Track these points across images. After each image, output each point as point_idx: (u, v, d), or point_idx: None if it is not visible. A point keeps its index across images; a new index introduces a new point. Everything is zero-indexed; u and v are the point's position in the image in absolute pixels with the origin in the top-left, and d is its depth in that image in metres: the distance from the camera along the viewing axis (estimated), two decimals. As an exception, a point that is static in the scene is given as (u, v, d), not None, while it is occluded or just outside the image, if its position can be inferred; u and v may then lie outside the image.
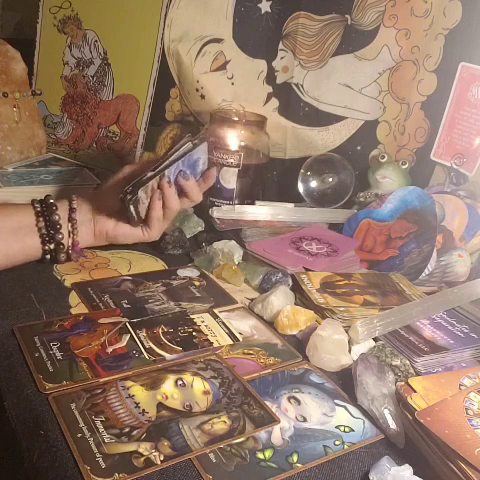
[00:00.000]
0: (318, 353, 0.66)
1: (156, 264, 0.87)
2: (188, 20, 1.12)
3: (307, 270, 0.85)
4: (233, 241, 0.91)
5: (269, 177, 1.14)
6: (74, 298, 0.76)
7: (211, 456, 0.52)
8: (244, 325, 0.73)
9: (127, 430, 0.54)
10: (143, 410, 0.56)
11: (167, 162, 0.81)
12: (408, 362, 0.64)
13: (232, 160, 1.01)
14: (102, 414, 0.55)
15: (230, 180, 1.02)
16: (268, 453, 0.53)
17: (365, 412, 0.59)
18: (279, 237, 0.95)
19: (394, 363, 0.63)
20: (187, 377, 0.62)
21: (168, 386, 0.60)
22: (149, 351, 0.65)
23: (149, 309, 0.74)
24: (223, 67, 1.13)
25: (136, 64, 1.18)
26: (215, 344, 0.68)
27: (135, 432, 0.53)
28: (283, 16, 1.08)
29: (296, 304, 0.77)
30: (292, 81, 1.11)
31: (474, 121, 0.97)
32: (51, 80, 1.27)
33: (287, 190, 1.13)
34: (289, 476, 0.51)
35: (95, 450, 0.51)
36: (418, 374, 0.64)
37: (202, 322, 0.72)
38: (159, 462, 0.50)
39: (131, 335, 0.68)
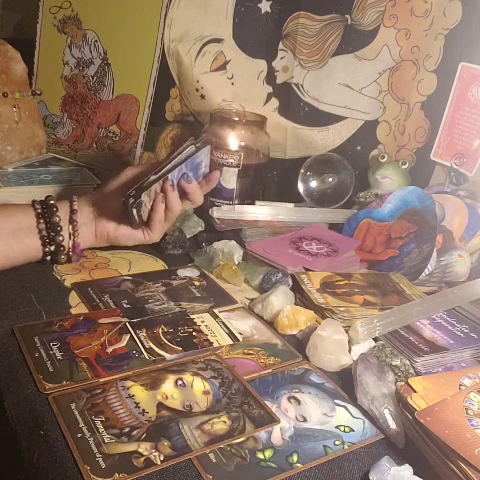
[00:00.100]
0: (318, 353, 0.66)
1: (156, 264, 0.87)
2: (188, 20, 1.12)
3: (307, 270, 0.85)
4: (233, 241, 0.91)
5: (269, 177, 1.14)
6: (74, 298, 0.76)
7: (211, 456, 0.52)
8: (244, 325, 0.73)
9: (127, 430, 0.54)
10: (143, 410, 0.56)
11: (170, 165, 0.81)
12: (408, 362, 0.64)
13: (232, 160, 1.01)
14: (102, 414, 0.55)
15: (230, 180, 1.02)
16: (268, 453, 0.53)
17: (365, 412, 0.59)
18: (279, 237, 0.95)
19: (394, 363, 0.63)
20: (187, 377, 0.62)
21: (168, 386, 0.60)
22: (149, 351, 0.65)
23: (149, 309, 0.74)
24: (223, 67, 1.13)
25: (136, 64, 1.18)
26: (215, 344, 0.68)
27: (135, 432, 0.53)
28: (283, 16, 1.08)
29: (296, 304, 0.77)
30: (292, 81, 1.11)
31: (474, 121, 0.97)
32: (51, 80, 1.27)
33: (287, 190, 1.13)
34: (289, 476, 0.51)
35: (95, 450, 0.51)
36: (418, 374, 0.64)
37: (202, 322, 0.72)
38: (159, 462, 0.50)
39: (131, 335, 0.68)
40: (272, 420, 0.57)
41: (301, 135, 1.13)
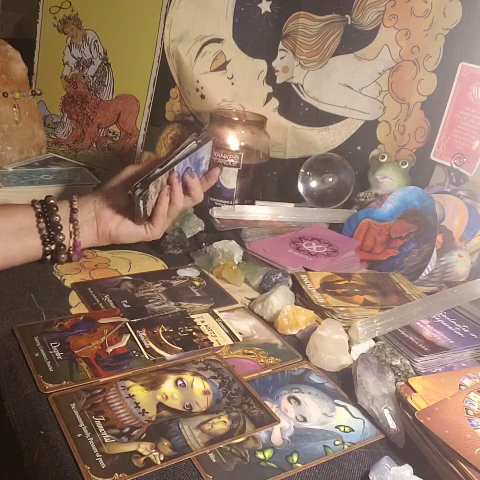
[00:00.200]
0: (318, 353, 0.66)
1: (156, 264, 0.87)
2: (188, 20, 1.12)
3: (307, 270, 0.85)
4: (233, 241, 0.91)
5: (269, 177, 1.14)
6: (74, 298, 0.76)
7: (211, 456, 0.52)
8: (244, 325, 0.73)
9: (127, 430, 0.54)
10: (143, 410, 0.56)
11: (175, 159, 0.82)
12: (408, 362, 0.64)
13: (232, 160, 1.01)
14: (102, 414, 0.55)
15: (230, 180, 1.02)
16: (268, 453, 0.53)
17: (365, 412, 0.59)
18: (279, 237, 0.95)
19: (394, 363, 0.63)
20: (187, 377, 0.62)
21: (168, 386, 0.60)
22: (149, 351, 0.65)
23: (149, 309, 0.74)
24: (223, 67, 1.13)
25: (136, 64, 1.18)
26: (215, 344, 0.68)
27: (135, 432, 0.53)
28: (283, 16, 1.08)
29: (296, 304, 0.77)
30: (292, 81, 1.11)
31: (474, 121, 0.97)
32: (51, 80, 1.27)
33: (287, 190, 1.13)
34: (289, 476, 0.51)
35: (95, 450, 0.51)
36: (418, 374, 0.64)
37: (202, 322, 0.72)
38: (159, 462, 0.50)
39: (131, 335, 0.68)
40: (272, 420, 0.57)
41: (301, 135, 1.13)
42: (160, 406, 0.57)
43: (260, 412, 0.57)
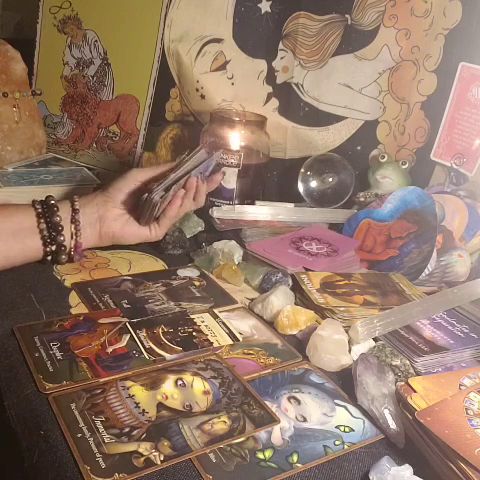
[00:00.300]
0: (318, 353, 0.66)
1: (156, 264, 0.87)
2: (188, 20, 1.12)
3: (307, 270, 0.85)
4: (233, 241, 0.91)
5: (269, 177, 1.14)
6: (74, 298, 0.76)
7: (211, 456, 0.52)
8: (244, 325, 0.73)
9: (127, 430, 0.54)
10: (143, 410, 0.56)
11: (190, 165, 0.85)
12: (408, 362, 0.64)
13: (232, 160, 1.01)
14: (102, 414, 0.55)
15: (230, 180, 1.02)
16: (268, 453, 0.53)
17: (365, 412, 0.59)
18: (279, 237, 0.95)
19: (394, 363, 0.63)
20: (187, 377, 0.62)
21: (168, 386, 0.60)
22: (149, 351, 0.65)
23: (149, 309, 0.74)
24: (223, 67, 1.13)
25: (136, 64, 1.18)
26: (215, 344, 0.68)
27: (135, 432, 0.53)
28: (283, 16, 1.08)
29: (296, 304, 0.77)
30: (292, 81, 1.11)
31: (474, 121, 0.97)
32: (51, 80, 1.27)
33: (287, 190, 1.13)
34: (289, 476, 0.51)
35: (95, 450, 0.51)
36: (418, 374, 0.64)
37: (202, 322, 0.72)
38: (159, 462, 0.50)
39: (131, 335, 0.68)
40: (272, 420, 0.57)
41: (301, 135, 1.13)
42: (160, 406, 0.57)
43: (260, 412, 0.57)
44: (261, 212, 1.02)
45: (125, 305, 0.74)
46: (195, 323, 0.72)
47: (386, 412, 0.57)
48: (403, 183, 1.02)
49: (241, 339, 0.70)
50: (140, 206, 0.84)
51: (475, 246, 0.89)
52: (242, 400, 0.59)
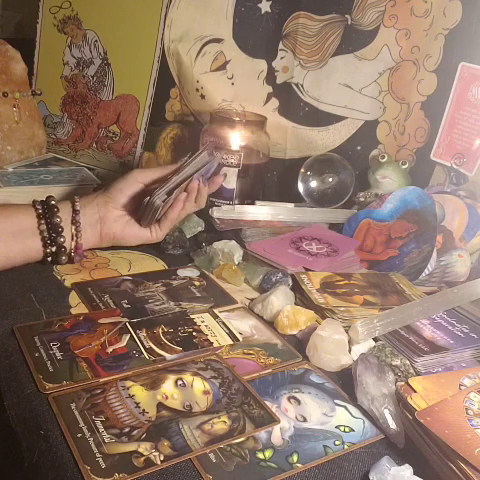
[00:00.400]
0: (318, 353, 0.66)
1: (156, 264, 0.87)
2: (188, 20, 1.12)
3: (307, 270, 0.85)
4: (233, 241, 0.91)
5: (269, 177, 1.14)
6: (74, 298, 0.76)
7: (211, 456, 0.52)
8: (244, 325, 0.73)
9: (127, 430, 0.54)
10: (143, 410, 0.56)
11: (193, 169, 0.85)
12: (408, 362, 0.64)
13: (232, 160, 1.01)
14: (102, 414, 0.55)
15: (230, 180, 1.02)
16: (268, 453, 0.53)
17: (365, 412, 0.59)
18: (279, 237, 0.95)
19: (394, 363, 0.63)
20: (187, 377, 0.62)
21: (168, 386, 0.60)
22: (149, 351, 0.65)
23: (149, 309, 0.74)
24: (223, 67, 1.13)
25: (136, 64, 1.18)
26: (215, 344, 0.68)
27: (135, 432, 0.53)
28: (283, 16, 1.08)
29: (296, 304, 0.77)
30: (292, 81, 1.11)
31: (474, 121, 0.97)
32: (51, 80, 1.27)
33: (287, 190, 1.13)
34: (289, 476, 0.51)
35: (95, 450, 0.51)
36: (418, 374, 0.64)
37: (202, 322, 0.72)
38: (159, 462, 0.50)
39: (131, 335, 0.68)
40: (272, 420, 0.57)
41: (301, 135, 1.13)
42: (160, 406, 0.57)
43: (260, 412, 0.57)
44: (261, 212, 1.02)
45: (125, 305, 0.74)
46: (195, 323, 0.72)
47: (386, 412, 0.57)
48: (403, 183, 1.02)
49: (241, 339, 0.70)
50: (141, 209, 0.84)
51: (475, 246, 0.89)
52: (242, 400, 0.59)
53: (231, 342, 0.69)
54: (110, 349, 0.65)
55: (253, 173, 1.04)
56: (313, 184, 1.08)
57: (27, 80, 1.18)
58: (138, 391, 0.59)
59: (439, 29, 0.99)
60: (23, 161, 1.15)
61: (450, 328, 0.72)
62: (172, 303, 0.76)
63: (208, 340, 0.69)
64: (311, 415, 0.58)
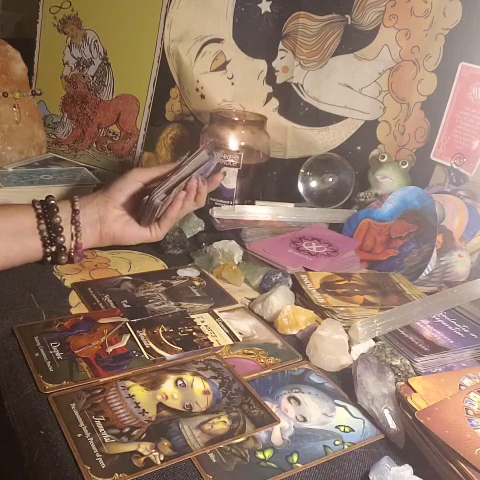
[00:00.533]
0: (318, 353, 0.66)
1: (156, 264, 0.87)
2: (188, 20, 1.12)
3: (307, 270, 0.85)
4: (233, 241, 0.91)
5: (269, 177, 1.14)
6: (74, 298, 0.76)
7: (211, 456, 0.52)
8: (244, 325, 0.73)
9: (127, 430, 0.54)
10: (143, 410, 0.56)
11: (192, 167, 0.85)
12: (408, 362, 0.64)
13: (232, 160, 1.01)
14: (102, 414, 0.55)
15: (230, 180, 1.02)
16: (268, 453, 0.53)
17: (365, 412, 0.59)
18: (279, 237, 0.95)
19: (394, 363, 0.63)
20: (187, 377, 0.62)
21: (168, 386, 0.60)
22: (149, 351, 0.65)
23: (149, 309, 0.74)
24: (223, 67, 1.13)
25: (136, 64, 1.18)
26: (215, 344, 0.68)
27: (135, 432, 0.53)
28: (283, 16, 1.08)
29: (296, 304, 0.77)
30: (292, 81, 1.11)
31: (474, 121, 0.97)
32: (51, 80, 1.27)
33: (287, 190, 1.13)
34: (289, 476, 0.51)
35: (95, 450, 0.51)
36: (418, 374, 0.64)
37: (202, 322, 0.72)
38: (159, 462, 0.50)
39: (131, 335, 0.68)
40: (272, 420, 0.57)
41: (301, 135, 1.13)
42: (160, 406, 0.57)
43: (260, 412, 0.57)
44: (261, 212, 1.02)
45: (125, 305, 0.74)
46: (195, 323, 0.72)
47: (386, 412, 0.57)
48: (403, 183, 1.02)
49: (241, 339, 0.70)
50: (141, 208, 0.84)
51: (475, 246, 0.89)
52: (242, 400, 0.59)
53: (231, 342, 0.69)
54: (110, 349, 0.65)
55: (253, 173, 1.04)
56: (313, 184, 1.08)
57: (27, 80, 1.18)
58: (138, 391, 0.59)
59: (439, 29, 0.99)
60: (23, 161, 1.15)
61: (450, 328, 0.72)
62: (172, 303, 0.76)
63: (208, 340, 0.69)
64: (311, 415, 0.58)
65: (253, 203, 1.04)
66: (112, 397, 0.58)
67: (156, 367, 0.63)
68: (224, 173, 0.95)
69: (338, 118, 1.10)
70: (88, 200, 0.83)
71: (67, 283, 0.79)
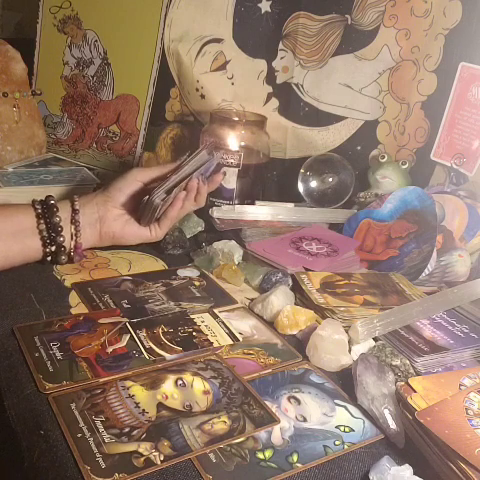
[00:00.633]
0: (318, 353, 0.66)
1: (156, 264, 0.87)
2: (188, 20, 1.12)
3: (307, 270, 0.85)
4: (233, 241, 0.91)
5: (269, 177, 1.14)
6: (74, 298, 0.76)
7: (211, 456, 0.52)
8: (244, 325, 0.73)
9: (127, 430, 0.54)
10: (143, 410, 0.56)
11: (192, 167, 0.85)
12: (408, 362, 0.64)
13: (232, 160, 1.01)
14: (102, 414, 0.55)
15: (230, 180, 1.02)
16: (268, 453, 0.53)
17: (365, 412, 0.59)
18: (279, 237, 0.95)
19: (394, 363, 0.63)
20: (187, 377, 0.62)
21: (168, 386, 0.60)
22: (149, 351, 0.65)
23: (149, 309, 0.74)
24: (223, 67, 1.13)
25: (136, 64, 1.18)
26: (215, 344, 0.68)
27: (135, 432, 0.53)
28: (283, 16, 1.08)
29: (296, 304, 0.77)
30: (292, 81, 1.11)
31: (474, 121, 0.97)
32: (51, 80, 1.27)
33: (287, 190, 1.13)
34: (289, 476, 0.51)
35: (95, 450, 0.51)
36: (418, 374, 0.64)
37: (202, 322, 0.72)
38: (159, 462, 0.50)
39: (131, 335, 0.68)
40: (272, 420, 0.57)
41: (301, 135, 1.13)
42: (160, 406, 0.57)
43: (260, 412, 0.57)
44: (261, 212, 1.02)
45: (125, 305, 0.74)
46: (195, 323, 0.72)
47: (386, 412, 0.57)
48: (403, 183, 1.02)
49: (241, 339, 0.70)
50: (141, 208, 0.84)
51: (475, 246, 0.89)
52: (242, 400, 0.59)
53: (231, 342, 0.69)
54: (110, 349, 0.65)
55: (253, 173, 1.04)
56: (313, 184, 1.08)
57: (27, 80, 1.18)
58: (138, 391, 0.59)
59: (439, 29, 0.99)
60: (23, 161, 1.15)
61: (450, 328, 0.72)
62: (172, 303, 0.76)
63: (208, 340, 0.69)
64: (311, 415, 0.58)
65: (253, 203, 1.04)
66: (112, 397, 0.58)
67: (156, 367, 0.63)
68: (224, 173, 0.96)
69: (338, 118, 1.10)
70: (88, 200, 0.83)
71: (67, 283, 0.79)
